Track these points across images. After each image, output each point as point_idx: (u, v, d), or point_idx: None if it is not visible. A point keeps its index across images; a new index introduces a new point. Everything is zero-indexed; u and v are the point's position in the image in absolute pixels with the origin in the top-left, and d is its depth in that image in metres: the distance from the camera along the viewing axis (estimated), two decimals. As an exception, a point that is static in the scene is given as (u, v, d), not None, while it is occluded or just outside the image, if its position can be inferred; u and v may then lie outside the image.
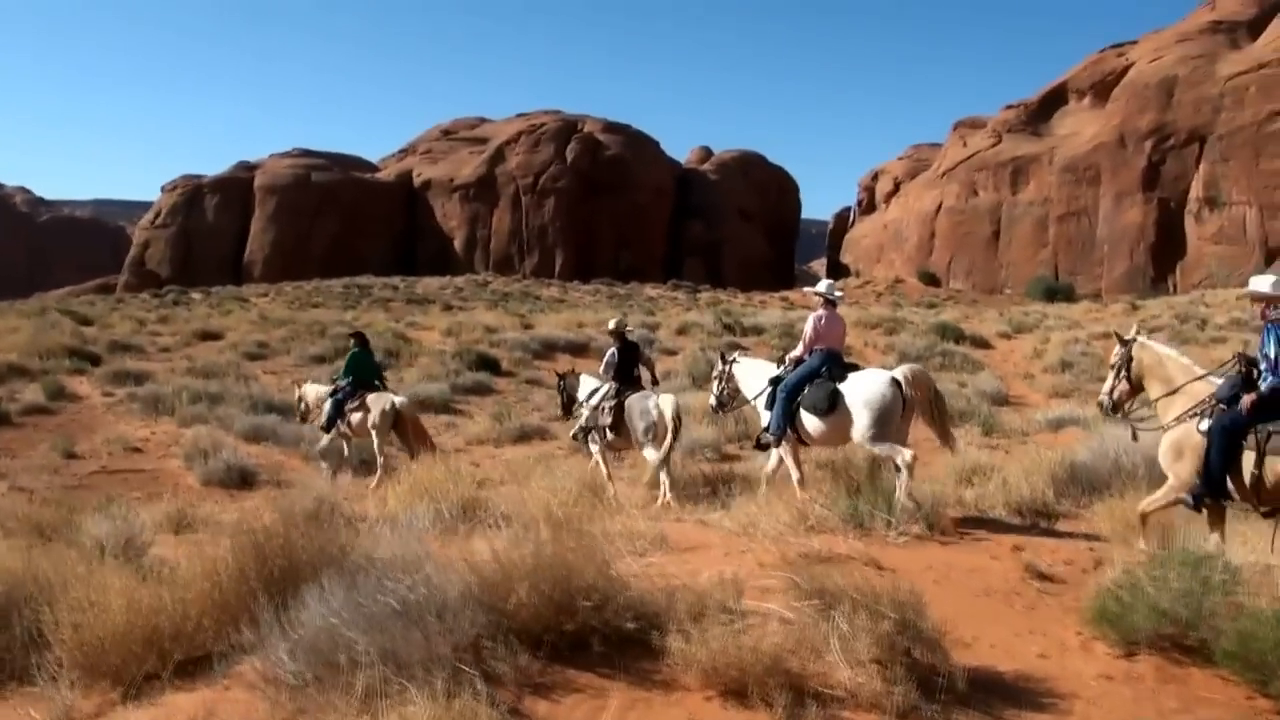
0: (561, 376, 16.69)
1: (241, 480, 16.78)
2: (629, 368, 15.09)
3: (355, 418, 18.07)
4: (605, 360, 15.46)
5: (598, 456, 14.76)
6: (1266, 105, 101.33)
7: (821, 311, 12.47)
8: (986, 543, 9.33)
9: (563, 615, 6.21)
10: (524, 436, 20.37)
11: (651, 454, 13.70)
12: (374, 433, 17.68)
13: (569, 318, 43.94)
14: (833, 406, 11.50)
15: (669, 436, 13.44)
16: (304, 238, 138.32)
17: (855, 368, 12.27)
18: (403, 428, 17.92)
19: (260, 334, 35.55)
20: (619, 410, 14.31)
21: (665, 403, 13.78)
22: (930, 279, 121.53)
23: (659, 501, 12.86)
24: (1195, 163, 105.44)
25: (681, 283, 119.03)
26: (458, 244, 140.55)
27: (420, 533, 7.73)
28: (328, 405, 18.46)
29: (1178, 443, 9.30)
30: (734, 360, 13.71)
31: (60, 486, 15.56)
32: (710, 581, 6.74)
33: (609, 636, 6.24)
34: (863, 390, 11.38)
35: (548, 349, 32.82)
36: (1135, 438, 10.19)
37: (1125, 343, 10.12)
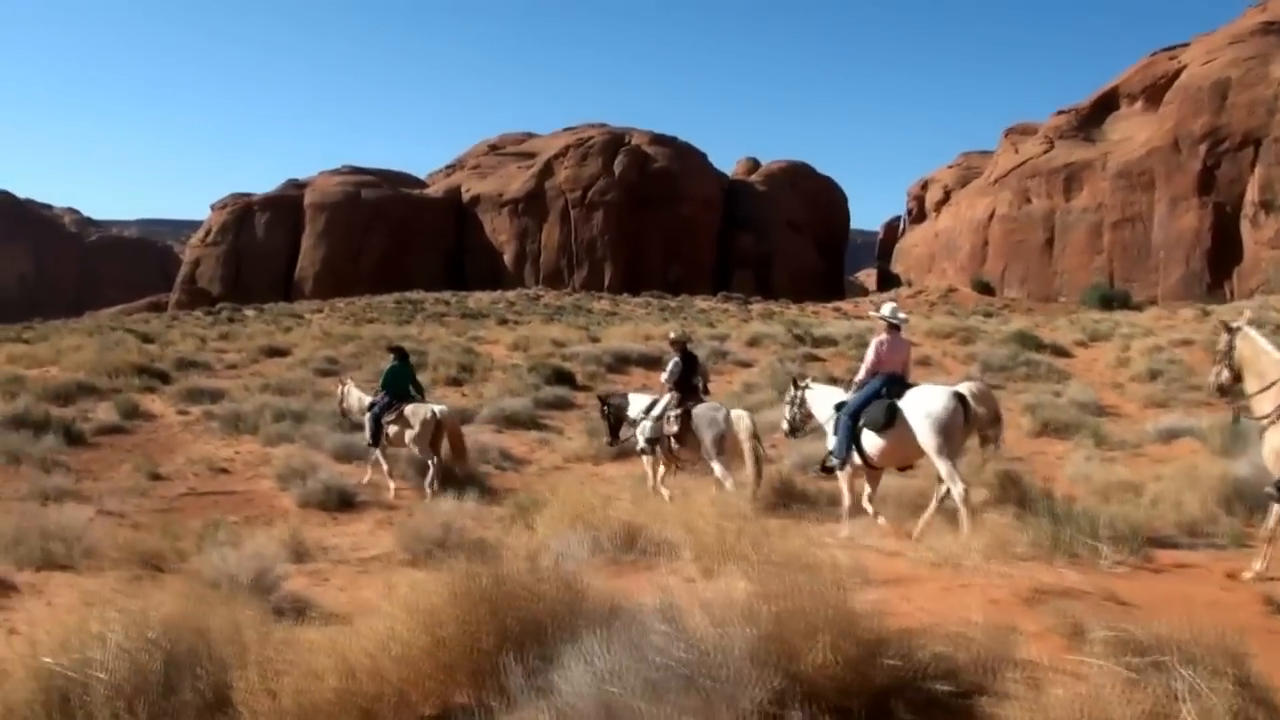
0: (604, 400, 16.62)
1: (341, 502, 16.12)
2: (689, 377, 15.13)
3: (393, 430, 18.05)
4: (668, 370, 15.30)
5: (648, 468, 14.90)
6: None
7: (885, 336, 12.50)
8: (1196, 569, 8.64)
9: (860, 675, 5.16)
10: (623, 454, 19.78)
11: (719, 467, 13.85)
12: (414, 444, 17.67)
13: (631, 330, 43.49)
14: (891, 421, 11.53)
15: (751, 456, 13.45)
16: (354, 254, 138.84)
17: (913, 386, 12.24)
18: (440, 438, 17.75)
19: (328, 350, 35.20)
20: (685, 419, 14.36)
21: (738, 417, 13.97)
22: (984, 288, 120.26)
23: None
24: (1250, 166, 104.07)
25: (732, 295, 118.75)
26: (507, 258, 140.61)
27: (588, 564, 7.11)
28: (368, 419, 18.49)
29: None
30: (806, 386, 13.77)
31: (150, 510, 15.03)
32: (982, 628, 5.78)
33: (914, 701, 5.20)
34: (923, 403, 11.38)
35: (621, 362, 32.25)
36: (1237, 420, 10.42)
37: (1231, 331, 10.19)
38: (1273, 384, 9.49)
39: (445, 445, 17.78)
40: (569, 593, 5.76)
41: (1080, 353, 36.40)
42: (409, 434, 17.71)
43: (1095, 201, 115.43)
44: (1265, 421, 9.50)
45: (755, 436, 13.65)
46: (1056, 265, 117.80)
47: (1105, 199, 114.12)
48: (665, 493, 14.06)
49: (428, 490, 16.95)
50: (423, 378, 28.80)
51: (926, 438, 11.15)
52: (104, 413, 24.01)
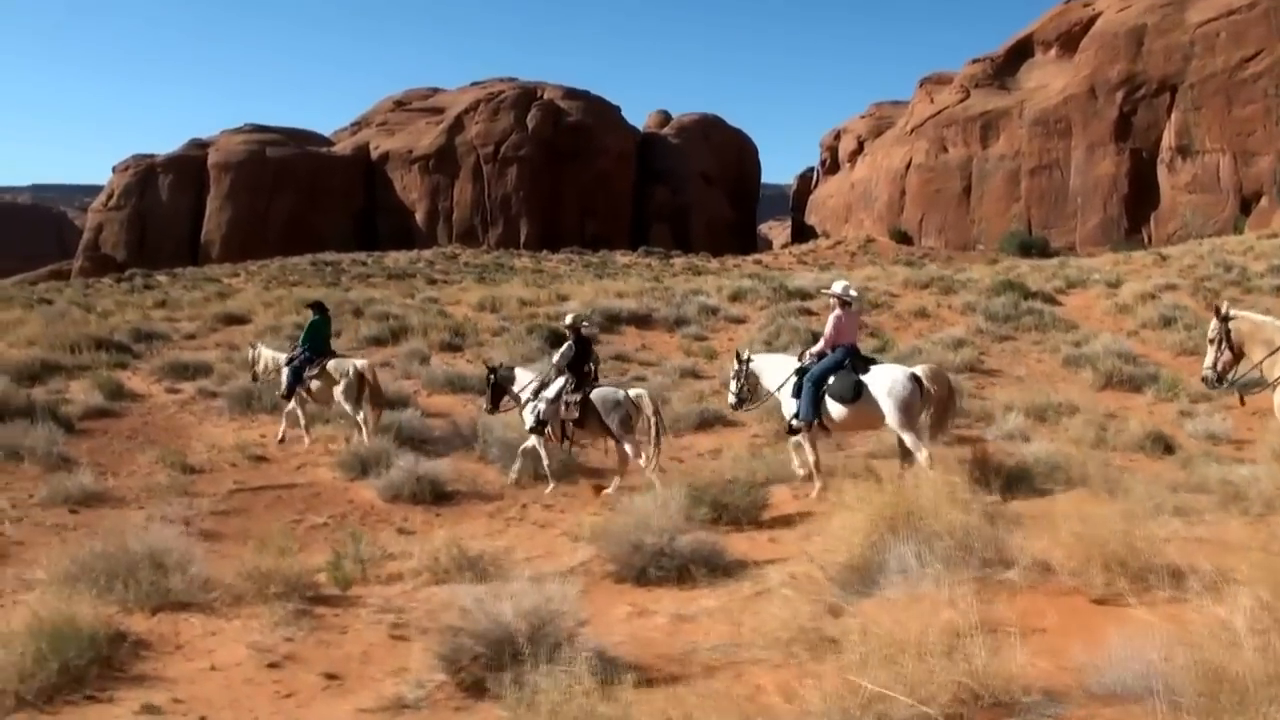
0: (492, 370, 16.81)
1: (435, 494, 14.13)
2: (582, 363, 15.59)
3: (315, 385, 18.04)
4: (559, 353, 15.78)
5: (538, 445, 15.33)
6: (1238, 52, 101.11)
7: (839, 311, 13.42)
8: None
9: None
10: (705, 423, 18.21)
11: (629, 447, 14.59)
12: (342, 398, 17.56)
13: (602, 287, 41.82)
14: (857, 395, 12.69)
15: (654, 430, 14.33)
16: (261, 215, 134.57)
17: (874, 361, 13.53)
18: (363, 391, 17.69)
19: (289, 315, 33.01)
20: (585, 404, 14.85)
21: (638, 395, 14.79)
22: (902, 237, 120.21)
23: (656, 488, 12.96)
24: (1167, 112, 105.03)
25: (652, 249, 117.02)
26: (419, 217, 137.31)
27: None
28: (286, 372, 18.46)
29: None
30: (749, 360, 14.44)
31: (211, 514, 13.07)
32: None
33: None
34: (885, 382, 12.57)
35: (612, 322, 30.57)
36: (1243, 402, 11.72)
37: (1224, 318, 11.27)
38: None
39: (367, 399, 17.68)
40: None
41: (1068, 301, 35.61)
42: (336, 390, 17.63)
43: (1012, 149, 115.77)
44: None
45: (657, 412, 14.54)
46: (974, 214, 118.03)
47: (1022, 146, 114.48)
48: (550, 485, 14.98)
49: (510, 476, 15.39)
50: (415, 344, 27.14)
51: (891, 414, 12.42)
52: (82, 393, 21.83)
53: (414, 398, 20.64)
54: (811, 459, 13.04)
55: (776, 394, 13.83)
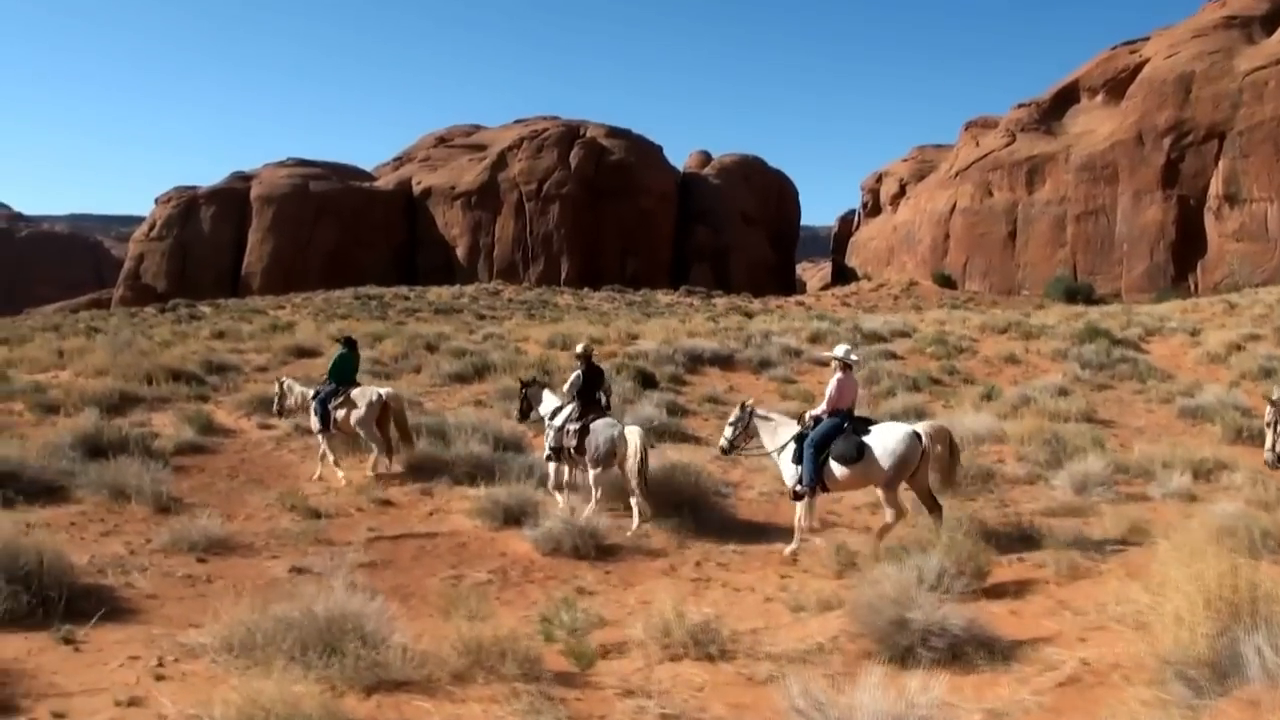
0: (525, 384, 17.36)
1: (597, 547, 13.06)
2: (592, 391, 15.95)
3: (340, 414, 18.03)
4: (569, 382, 16.18)
5: (550, 472, 15.82)
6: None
7: (841, 374, 13.69)
8: None
9: None
10: None
11: (592, 472, 14.98)
12: (360, 426, 17.77)
13: (666, 326, 41.16)
14: (860, 456, 12.95)
15: (636, 466, 14.46)
16: (303, 248, 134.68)
17: (871, 421, 13.83)
18: (386, 419, 17.89)
19: (367, 351, 32.36)
20: (583, 434, 15.14)
21: (630, 432, 14.89)
22: (946, 281, 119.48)
23: (632, 527, 14.19)
24: (1215, 159, 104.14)
25: (694, 289, 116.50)
26: (460, 252, 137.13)
27: None
28: (314, 406, 18.36)
29: None
30: (752, 411, 14.56)
31: (354, 566, 11.94)
32: None
33: None
34: (888, 441, 12.87)
35: (694, 362, 29.84)
36: None
37: (1276, 404, 12.01)
38: None
39: (392, 428, 17.93)
40: None
41: (1152, 348, 34.69)
42: (354, 414, 17.79)
43: (1058, 194, 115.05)
44: None
45: (643, 449, 14.65)
46: (1019, 258, 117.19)
47: (1068, 192, 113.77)
48: (559, 498, 15.32)
49: (635, 521, 14.56)
50: (504, 382, 26.21)
51: (887, 469, 12.71)
52: (168, 427, 21.23)
53: (526, 440, 19.74)
54: (807, 524, 13.40)
55: (775, 455, 14.08)
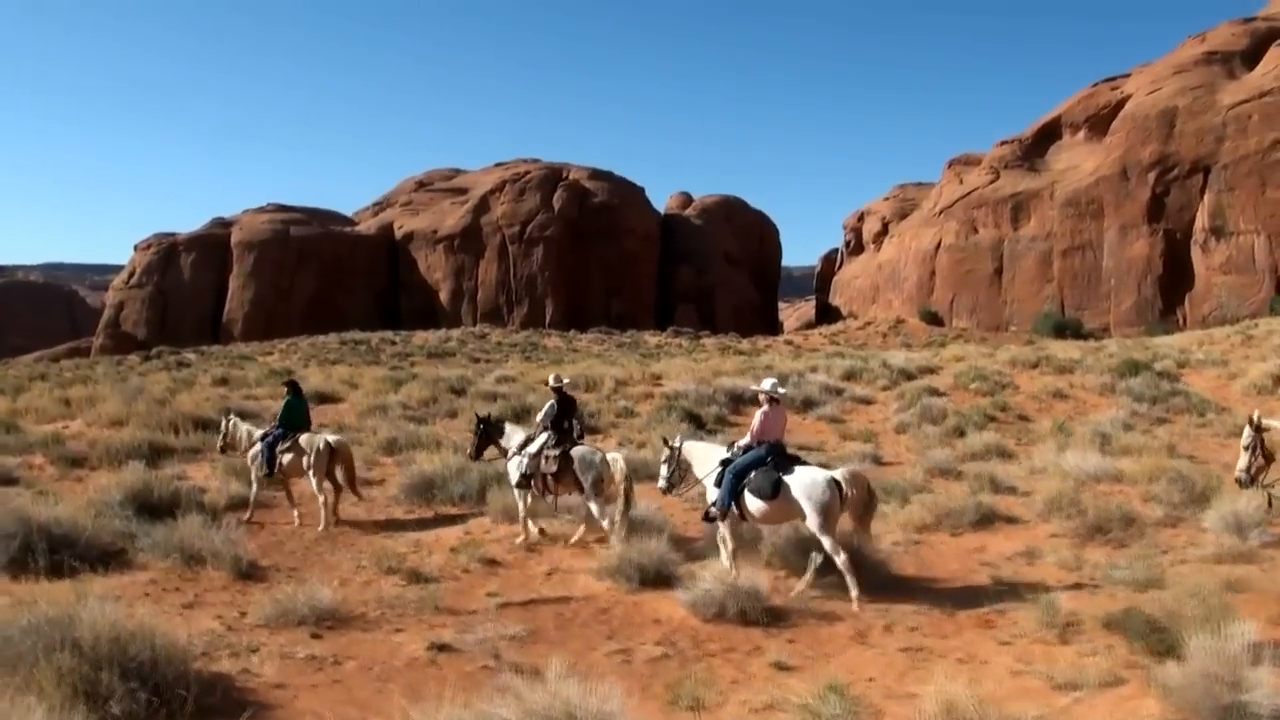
0: (482, 421, 17.47)
1: (767, 613, 11.73)
2: (563, 420, 16.36)
3: (287, 459, 17.98)
4: (543, 411, 16.70)
5: (519, 501, 16.03)
6: (1270, 133, 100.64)
7: (767, 408, 13.80)
8: None
9: None
10: (984, 520, 16.14)
11: (595, 507, 15.15)
12: (310, 472, 17.60)
13: (684, 365, 40.23)
14: (775, 493, 12.97)
15: (623, 497, 14.88)
16: (284, 294, 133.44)
17: (798, 460, 13.73)
18: (334, 466, 17.85)
19: (393, 395, 31.26)
20: (564, 459, 15.51)
21: (613, 459, 15.31)
22: (933, 318, 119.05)
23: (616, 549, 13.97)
24: (1200, 193, 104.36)
25: (681, 329, 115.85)
26: (443, 296, 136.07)
27: None
28: (259, 448, 18.26)
29: None
30: (679, 447, 14.63)
31: (505, 639, 10.75)
32: None
33: None
34: (805, 485, 12.81)
35: (736, 403, 28.89)
36: (1270, 504, 12.40)
37: (1257, 428, 12.11)
38: None
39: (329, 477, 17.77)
40: None
41: (1190, 380, 33.91)
42: (305, 460, 17.67)
43: (1044, 230, 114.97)
44: None
45: (629, 478, 15.00)
46: (1006, 294, 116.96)
47: (1054, 227, 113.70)
48: (534, 528, 15.96)
49: (730, 564, 13.47)
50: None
51: (810, 518, 12.67)
52: (208, 479, 20.10)
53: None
54: (730, 546, 13.39)
55: (703, 481, 14.13)
